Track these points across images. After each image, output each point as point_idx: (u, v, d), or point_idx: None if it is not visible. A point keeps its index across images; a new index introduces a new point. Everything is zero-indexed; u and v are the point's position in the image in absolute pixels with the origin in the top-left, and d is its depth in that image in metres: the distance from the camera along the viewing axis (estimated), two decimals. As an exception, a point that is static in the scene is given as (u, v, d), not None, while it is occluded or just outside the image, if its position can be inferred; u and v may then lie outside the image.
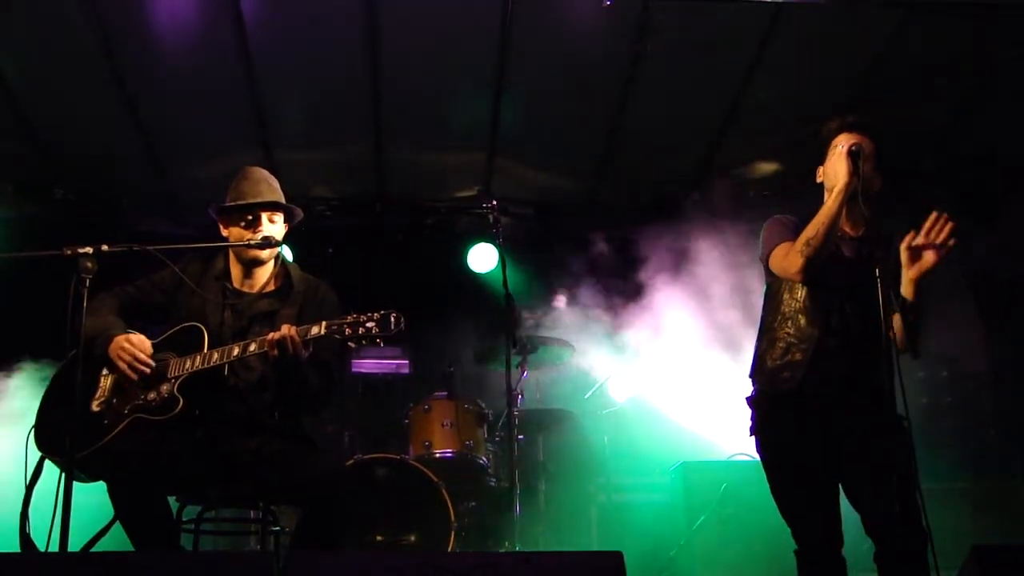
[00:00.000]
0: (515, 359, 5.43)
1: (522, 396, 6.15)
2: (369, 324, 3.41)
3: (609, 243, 7.64)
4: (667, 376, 6.78)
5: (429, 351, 7.26)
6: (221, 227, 3.94)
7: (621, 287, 7.19)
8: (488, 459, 5.92)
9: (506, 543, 5.54)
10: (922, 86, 6.11)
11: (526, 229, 7.77)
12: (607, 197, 7.57)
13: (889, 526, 3.13)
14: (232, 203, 3.85)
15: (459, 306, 7.49)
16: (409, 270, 7.52)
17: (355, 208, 7.67)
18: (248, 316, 3.81)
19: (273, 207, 3.87)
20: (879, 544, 3.31)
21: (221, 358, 3.57)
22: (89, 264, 3.32)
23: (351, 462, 5.43)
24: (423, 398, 6.06)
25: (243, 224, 3.83)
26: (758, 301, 3.81)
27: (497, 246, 5.09)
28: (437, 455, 5.75)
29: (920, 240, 3.30)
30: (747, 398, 3.69)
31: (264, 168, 4.03)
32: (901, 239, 3.58)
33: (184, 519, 3.78)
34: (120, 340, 3.65)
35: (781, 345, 3.54)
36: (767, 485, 3.56)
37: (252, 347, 3.55)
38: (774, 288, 3.66)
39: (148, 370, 3.60)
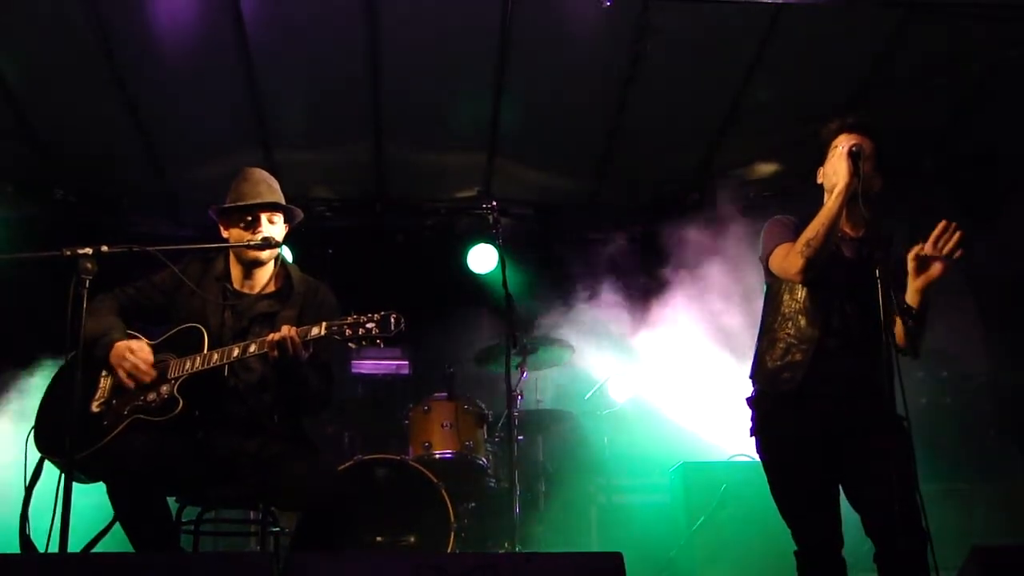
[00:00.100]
0: (515, 360, 5.43)
1: (522, 397, 6.15)
2: (369, 325, 3.41)
3: (610, 243, 7.64)
4: (669, 377, 6.78)
5: (429, 352, 7.26)
6: (221, 228, 3.94)
7: (623, 286, 7.19)
8: (488, 460, 5.92)
9: (506, 544, 5.53)
10: (922, 86, 6.11)
11: (526, 229, 7.77)
12: (607, 197, 7.57)
13: (889, 526, 3.13)
14: (232, 204, 3.85)
15: (459, 307, 7.49)
16: (409, 271, 7.52)
17: (355, 209, 7.68)
18: (248, 317, 3.80)
19: (273, 208, 3.87)
20: (879, 545, 3.31)
21: (221, 359, 3.57)
22: (89, 265, 3.31)
23: (351, 463, 5.43)
24: (423, 399, 6.05)
25: (243, 225, 3.82)
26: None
27: (497, 247, 5.08)
28: (437, 456, 5.75)
29: (928, 250, 3.29)
30: (747, 399, 3.69)
31: (264, 168, 4.03)
32: (901, 240, 3.58)
33: (184, 520, 3.78)
34: (121, 347, 3.65)
35: (781, 346, 3.54)
36: (767, 486, 3.56)
37: (252, 348, 3.54)
38: (774, 289, 3.66)
39: (148, 379, 3.60)
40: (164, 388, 3.58)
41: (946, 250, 3.26)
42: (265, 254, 3.83)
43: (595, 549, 6.23)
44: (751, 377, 3.69)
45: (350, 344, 3.46)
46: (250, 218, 3.82)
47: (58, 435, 3.52)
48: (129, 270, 3.81)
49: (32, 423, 3.68)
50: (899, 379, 3.11)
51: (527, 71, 6.04)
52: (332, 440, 6.43)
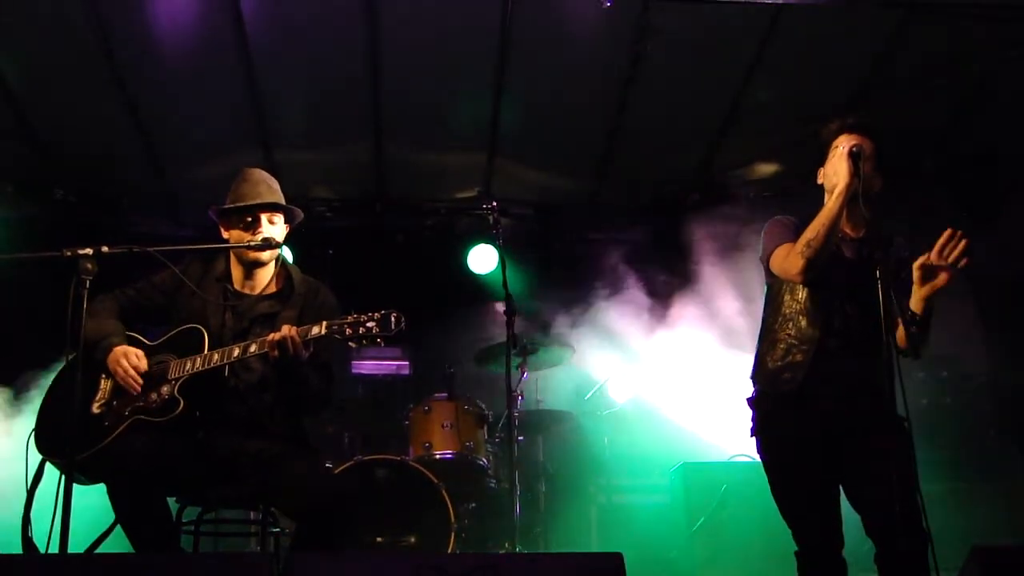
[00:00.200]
0: (515, 360, 5.43)
1: (522, 397, 6.15)
2: (370, 324, 3.41)
3: (610, 243, 7.64)
4: (669, 377, 6.78)
5: (429, 352, 7.26)
6: (221, 229, 3.94)
7: (623, 287, 7.19)
8: (488, 460, 5.92)
9: (506, 544, 5.53)
10: (922, 86, 6.11)
11: (526, 229, 7.77)
12: (607, 197, 7.56)
13: (889, 527, 3.13)
14: (232, 205, 3.85)
15: (459, 307, 7.49)
16: (409, 271, 7.51)
17: (355, 209, 7.67)
18: (249, 318, 3.80)
19: (273, 208, 3.87)
20: (879, 545, 3.31)
21: (222, 359, 3.57)
22: (89, 265, 3.31)
23: (351, 463, 5.43)
24: (423, 399, 6.05)
25: (243, 226, 3.82)
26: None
27: (497, 247, 5.09)
28: (437, 456, 5.75)
29: (933, 258, 3.28)
30: (748, 399, 3.69)
31: (264, 168, 4.03)
32: (902, 240, 3.58)
33: (184, 520, 3.78)
34: (118, 353, 3.65)
35: (782, 346, 3.54)
36: (767, 486, 3.56)
37: (252, 348, 3.54)
38: (775, 289, 3.66)
39: (134, 391, 3.60)
40: (165, 388, 3.59)
41: (951, 258, 3.24)
42: (265, 255, 3.83)
43: (595, 549, 6.24)
44: (752, 377, 3.69)
45: (351, 343, 3.46)
46: (250, 219, 3.82)
47: (59, 436, 3.52)
48: (129, 270, 3.81)
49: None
50: (899, 379, 3.11)
51: (527, 71, 6.03)
52: (332, 440, 6.42)
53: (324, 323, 3.48)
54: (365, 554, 4.69)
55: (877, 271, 3.23)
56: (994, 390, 6.87)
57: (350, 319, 3.45)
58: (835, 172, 3.46)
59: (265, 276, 3.90)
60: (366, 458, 5.49)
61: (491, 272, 7.58)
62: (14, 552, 3.37)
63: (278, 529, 3.89)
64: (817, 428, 3.45)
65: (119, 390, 3.64)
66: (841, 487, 3.47)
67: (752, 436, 3.65)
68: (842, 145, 3.48)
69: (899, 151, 4.95)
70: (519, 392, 6.01)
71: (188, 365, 3.60)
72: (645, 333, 6.86)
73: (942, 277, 3.30)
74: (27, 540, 3.46)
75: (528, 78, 6.11)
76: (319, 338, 3.49)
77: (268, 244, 3.76)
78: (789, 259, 3.47)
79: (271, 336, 3.50)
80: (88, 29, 5.51)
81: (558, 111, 6.49)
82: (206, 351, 3.62)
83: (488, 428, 6.05)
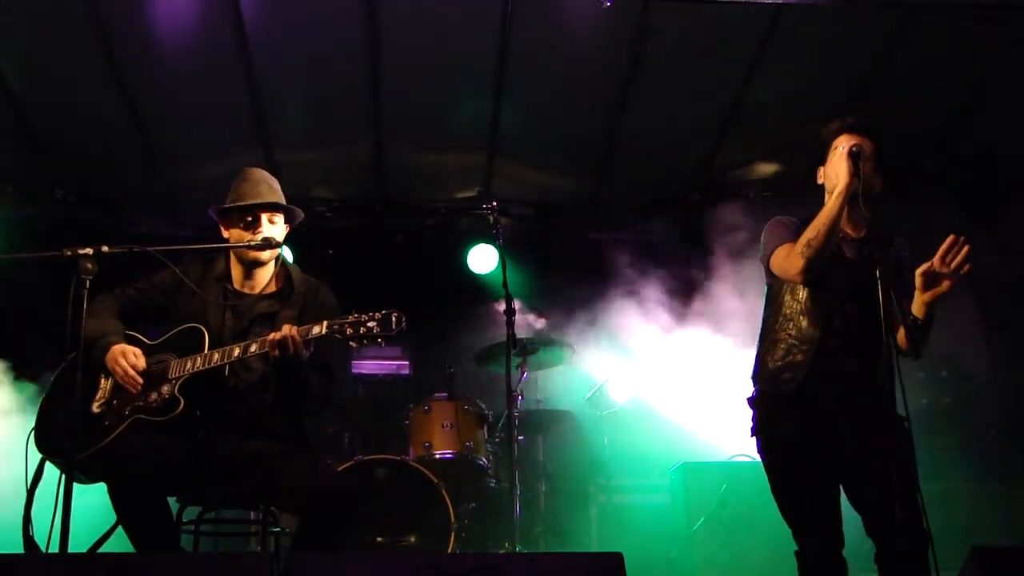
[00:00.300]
0: (515, 360, 5.43)
1: (522, 397, 6.15)
2: (370, 324, 3.41)
3: (611, 243, 7.64)
4: (669, 377, 6.78)
5: (429, 352, 7.26)
6: (222, 228, 3.94)
7: (623, 287, 7.19)
8: (488, 460, 5.92)
9: (506, 544, 5.53)
10: (922, 86, 6.11)
11: (526, 230, 7.77)
12: (607, 197, 7.56)
13: (890, 527, 3.13)
14: (232, 204, 3.85)
15: (459, 307, 7.48)
16: (409, 271, 7.51)
17: (355, 209, 7.67)
18: (249, 317, 3.80)
19: (273, 208, 3.87)
20: (880, 545, 3.32)
21: (222, 359, 3.57)
22: (89, 265, 3.31)
23: (351, 463, 5.43)
24: (423, 399, 6.05)
25: (243, 225, 3.82)
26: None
27: (497, 247, 5.09)
28: (437, 456, 5.75)
29: (936, 265, 3.28)
30: (748, 399, 3.69)
31: (264, 168, 4.03)
32: (902, 240, 3.58)
33: (184, 520, 3.78)
34: (116, 351, 3.65)
35: (782, 346, 3.55)
36: (767, 486, 3.56)
37: (253, 348, 3.54)
38: (775, 289, 3.66)
39: (134, 390, 3.60)
40: (165, 388, 3.59)
41: (954, 265, 3.24)
42: (265, 254, 3.83)
43: (595, 549, 6.24)
44: (752, 377, 3.69)
45: (351, 343, 3.46)
46: (250, 218, 3.82)
47: (59, 436, 3.52)
48: (129, 270, 3.81)
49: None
50: (899, 379, 3.11)
51: (527, 71, 6.03)
52: (332, 440, 6.42)
53: (325, 323, 3.49)
54: (365, 554, 4.69)
55: (877, 271, 3.23)
56: (994, 390, 6.88)
57: (351, 319, 3.45)
58: (835, 172, 3.46)
59: (265, 276, 3.90)
60: (366, 458, 5.49)
61: (491, 272, 7.57)
62: (15, 552, 3.37)
63: (278, 529, 3.89)
64: (817, 428, 3.45)
65: (119, 389, 3.65)
66: (841, 487, 3.47)
67: (752, 436, 3.65)
68: (842, 145, 3.48)
69: (899, 151, 4.95)
70: (519, 392, 6.01)
71: (188, 364, 3.60)
72: (645, 333, 6.86)
73: (944, 284, 3.29)
74: (28, 539, 3.46)
75: (528, 78, 6.11)
76: (320, 338, 3.49)
77: (268, 244, 3.77)
78: (789, 259, 3.47)
79: (272, 336, 3.50)
80: (88, 29, 5.51)
81: (558, 111, 6.49)
82: (206, 350, 3.62)
83: (488, 428, 6.05)
